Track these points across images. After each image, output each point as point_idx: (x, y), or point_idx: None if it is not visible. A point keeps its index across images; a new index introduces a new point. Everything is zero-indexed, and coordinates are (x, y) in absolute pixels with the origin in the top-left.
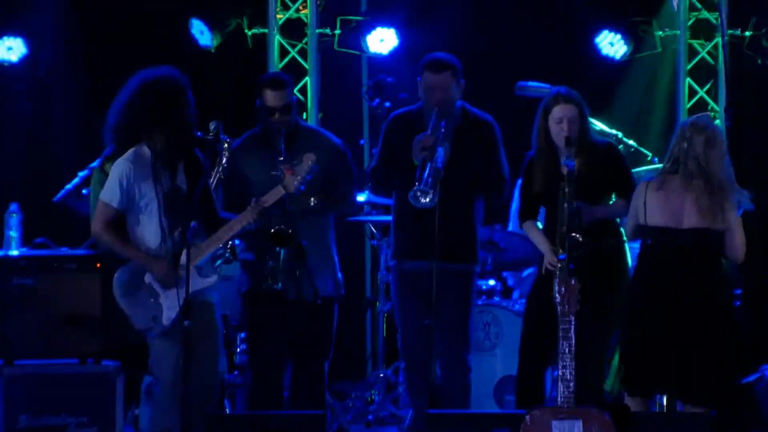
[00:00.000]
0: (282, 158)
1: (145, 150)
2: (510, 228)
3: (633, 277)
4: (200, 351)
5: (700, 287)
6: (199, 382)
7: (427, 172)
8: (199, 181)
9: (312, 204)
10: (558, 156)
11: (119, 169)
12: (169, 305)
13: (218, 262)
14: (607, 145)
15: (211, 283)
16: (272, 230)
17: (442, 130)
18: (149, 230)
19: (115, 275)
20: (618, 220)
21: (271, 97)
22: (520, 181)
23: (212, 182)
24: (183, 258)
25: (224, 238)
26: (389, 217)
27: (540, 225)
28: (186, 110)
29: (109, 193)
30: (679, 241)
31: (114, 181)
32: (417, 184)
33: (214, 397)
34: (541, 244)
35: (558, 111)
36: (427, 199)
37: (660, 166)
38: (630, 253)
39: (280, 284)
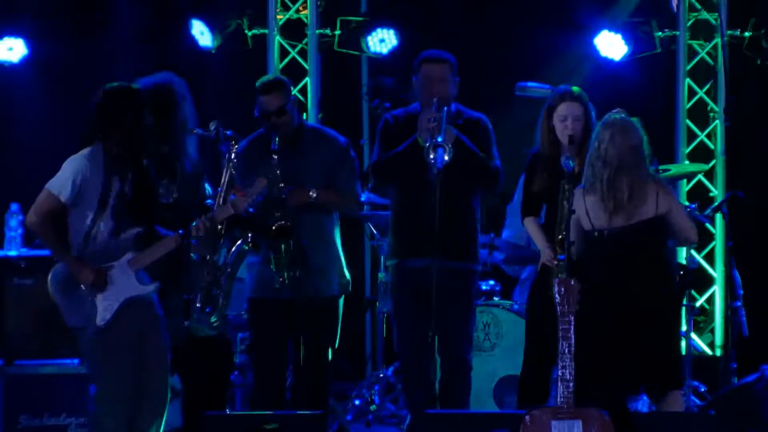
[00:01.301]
0: (276, 156)
1: (100, 150)
2: (504, 236)
3: (589, 283)
4: (148, 352)
5: (645, 280)
6: (148, 382)
7: (440, 132)
8: (147, 190)
9: (312, 196)
10: (560, 154)
11: (75, 164)
12: (106, 306)
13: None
14: None
15: (148, 291)
16: (273, 227)
17: (445, 114)
18: (90, 228)
19: (54, 268)
20: None
21: (263, 102)
22: (521, 181)
23: (223, 182)
24: (126, 257)
25: (161, 253)
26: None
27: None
28: (137, 118)
29: (59, 186)
30: (627, 237)
31: (67, 174)
32: (432, 140)
33: (165, 397)
34: (539, 240)
35: (563, 109)
36: (446, 156)
37: (662, 167)
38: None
39: (287, 277)
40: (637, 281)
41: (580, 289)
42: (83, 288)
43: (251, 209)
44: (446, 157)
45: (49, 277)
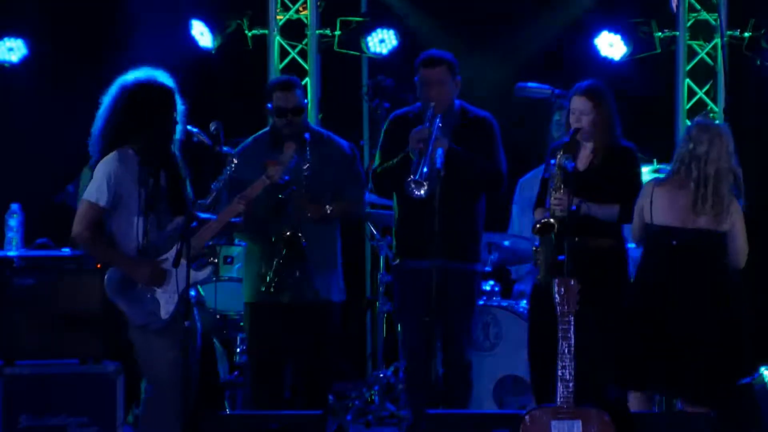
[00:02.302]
0: (308, 164)
1: (129, 151)
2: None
3: (636, 275)
4: (191, 347)
5: (700, 288)
6: (191, 379)
7: (422, 163)
8: (179, 182)
9: (329, 212)
10: (577, 148)
11: (106, 167)
12: (167, 299)
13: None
14: (625, 148)
15: (205, 275)
16: (287, 233)
17: (439, 125)
18: (139, 229)
19: (107, 273)
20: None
21: (281, 99)
22: (519, 182)
23: (218, 185)
24: (176, 247)
25: (215, 230)
26: (391, 212)
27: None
28: (167, 113)
29: (96, 193)
30: (683, 241)
31: (101, 180)
32: (412, 175)
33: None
34: None
35: (572, 102)
36: (422, 191)
37: (661, 166)
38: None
39: (284, 279)
40: (694, 284)
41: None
42: (141, 286)
43: (287, 177)
44: (422, 192)
45: (105, 281)
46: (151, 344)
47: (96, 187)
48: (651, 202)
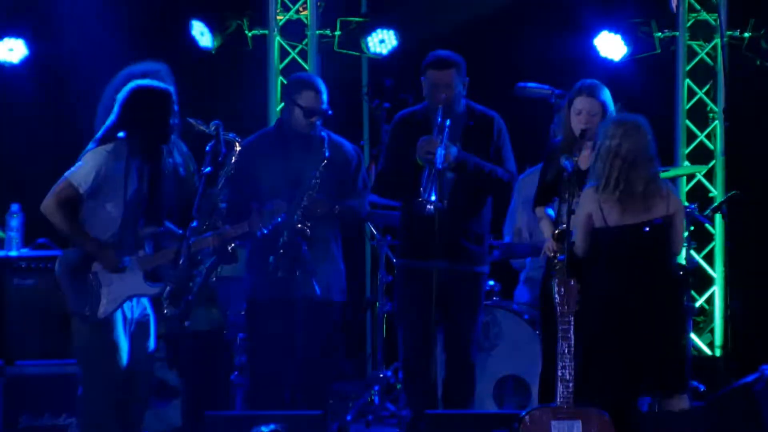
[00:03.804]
0: (325, 162)
1: (124, 146)
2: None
3: (594, 283)
4: (136, 350)
5: (653, 280)
6: (135, 379)
7: (431, 181)
8: (159, 190)
9: (336, 211)
10: (577, 147)
11: (99, 157)
12: (110, 299)
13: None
14: None
15: (154, 292)
16: (299, 225)
17: (447, 130)
18: (109, 221)
19: (65, 252)
20: None
21: (312, 99)
22: (519, 179)
23: (221, 180)
24: (139, 254)
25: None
26: (391, 212)
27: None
28: (164, 116)
29: (81, 177)
30: (644, 236)
31: (90, 167)
32: (422, 191)
33: (149, 394)
34: (546, 230)
35: (578, 103)
36: (432, 207)
37: (663, 169)
38: None
39: (289, 274)
40: (646, 281)
41: (581, 289)
42: (91, 276)
43: (266, 230)
44: (431, 208)
45: (58, 259)
46: (83, 335)
47: (83, 173)
48: (601, 209)
